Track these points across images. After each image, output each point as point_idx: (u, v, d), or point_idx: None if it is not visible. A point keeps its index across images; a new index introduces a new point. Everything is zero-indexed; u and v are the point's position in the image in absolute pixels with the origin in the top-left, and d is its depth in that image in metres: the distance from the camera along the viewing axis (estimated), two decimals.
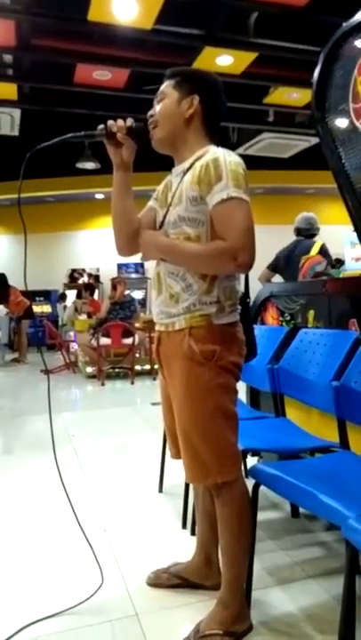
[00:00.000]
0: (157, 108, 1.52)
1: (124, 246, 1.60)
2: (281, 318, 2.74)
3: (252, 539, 1.56)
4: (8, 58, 5.41)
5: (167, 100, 1.50)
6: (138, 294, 9.84)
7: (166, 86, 1.52)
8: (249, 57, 5.30)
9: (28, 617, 1.58)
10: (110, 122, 1.49)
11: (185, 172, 1.47)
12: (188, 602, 1.67)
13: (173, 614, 1.62)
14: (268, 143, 7.48)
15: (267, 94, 6.33)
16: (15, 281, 8.23)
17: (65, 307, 9.55)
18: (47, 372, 2.10)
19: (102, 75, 5.55)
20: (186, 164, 1.48)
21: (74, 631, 1.54)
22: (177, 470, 1.56)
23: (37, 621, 1.56)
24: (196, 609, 1.60)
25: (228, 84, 5.81)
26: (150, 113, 1.53)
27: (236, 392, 1.51)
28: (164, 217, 1.52)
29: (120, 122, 1.49)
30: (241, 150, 7.57)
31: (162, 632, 1.53)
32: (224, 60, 5.32)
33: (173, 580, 1.74)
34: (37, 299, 10.21)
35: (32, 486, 2.73)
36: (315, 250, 3.66)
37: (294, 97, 6.23)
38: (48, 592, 1.74)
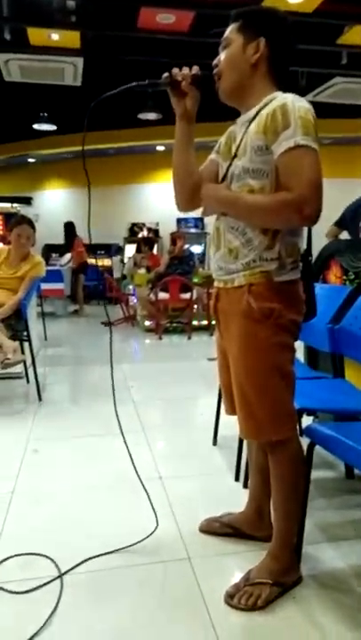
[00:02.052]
0: (222, 56, 1.45)
1: (185, 201, 1.57)
2: (345, 277, 2.64)
3: (305, 496, 1.58)
4: (71, 4, 5.31)
5: (232, 47, 1.42)
6: (197, 249, 9.77)
7: (231, 31, 1.44)
8: None
9: (88, 552, 1.69)
10: (175, 70, 1.44)
11: (250, 122, 1.40)
12: (238, 550, 1.73)
13: (224, 561, 1.69)
14: (340, 88, 6.99)
15: (341, 34, 5.87)
16: (78, 234, 8.43)
17: (121, 260, 9.67)
18: (110, 324, 2.16)
19: (166, 18, 5.34)
20: (251, 113, 1.41)
21: (130, 568, 1.64)
22: (231, 424, 1.58)
23: (97, 556, 1.68)
24: (246, 558, 1.66)
25: (299, 23, 5.44)
26: (215, 62, 1.46)
27: (294, 351, 1.49)
28: (227, 169, 1.47)
29: (185, 70, 1.44)
30: (310, 97, 7.14)
31: (212, 576, 1.60)
32: None
33: (225, 529, 1.80)
34: (98, 252, 10.37)
35: (93, 432, 2.87)
36: None
37: None
38: (107, 531, 1.85)
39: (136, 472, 1.82)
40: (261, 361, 1.42)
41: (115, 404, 1.78)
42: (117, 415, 1.78)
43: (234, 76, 1.43)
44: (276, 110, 1.32)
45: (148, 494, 1.83)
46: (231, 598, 1.46)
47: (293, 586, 1.52)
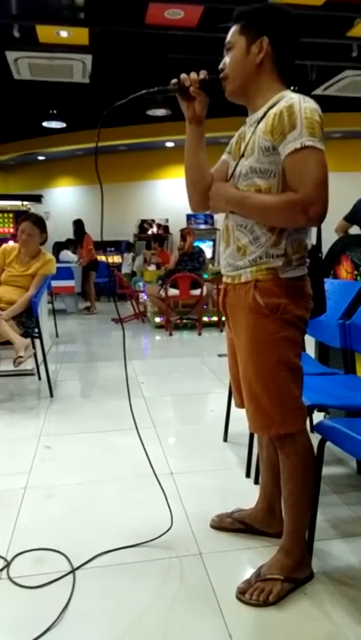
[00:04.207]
0: (227, 59, 1.46)
1: (199, 201, 1.58)
2: (356, 272, 2.62)
3: (316, 491, 1.57)
4: (79, 0, 5.30)
5: (236, 49, 1.44)
6: (207, 245, 9.75)
7: (233, 34, 1.45)
8: None
9: (100, 547, 1.71)
10: (183, 76, 1.45)
11: (258, 122, 1.41)
12: (249, 546, 1.73)
13: (235, 556, 1.69)
14: (350, 82, 6.91)
15: (351, 27, 5.80)
16: (87, 231, 8.45)
17: (133, 257, 9.68)
18: (121, 321, 2.17)
19: (174, 13, 5.32)
20: (259, 113, 1.42)
21: (141, 563, 1.65)
22: (242, 420, 1.58)
23: (109, 552, 1.69)
24: (258, 553, 1.66)
25: (309, 16, 5.36)
26: (221, 66, 1.47)
27: (301, 346, 1.50)
28: (235, 168, 1.49)
29: (193, 75, 1.45)
30: (320, 91, 7.07)
31: (224, 571, 1.60)
32: None
33: (236, 525, 1.81)
34: (108, 249, 10.40)
35: (104, 428, 2.88)
36: None
37: None
38: (119, 527, 1.86)
39: (152, 469, 1.83)
40: (269, 355, 1.43)
41: (130, 400, 1.79)
42: (132, 413, 1.78)
43: (240, 78, 1.44)
44: (282, 111, 1.32)
45: (164, 493, 1.84)
46: (243, 594, 1.47)
47: (305, 582, 1.52)
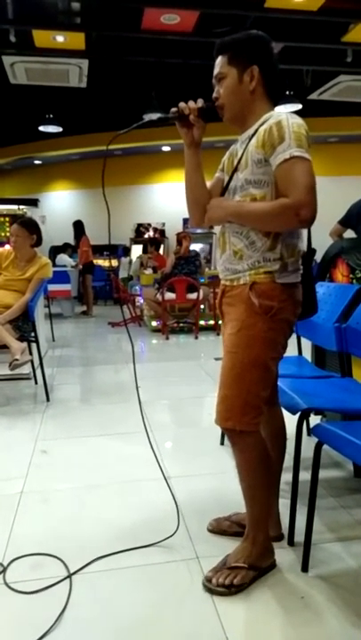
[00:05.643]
0: (220, 90, 1.54)
1: (199, 217, 1.67)
2: (351, 275, 2.63)
3: (312, 494, 1.58)
4: (76, 5, 5.32)
5: (228, 80, 1.52)
6: (203, 249, 9.76)
7: (222, 65, 1.53)
8: None
9: (96, 552, 1.71)
10: (182, 104, 1.54)
11: (250, 138, 1.50)
12: None
13: None
14: (344, 86, 6.96)
15: (346, 32, 5.85)
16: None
17: (130, 261, 9.68)
18: (126, 324, 2.17)
19: (170, 18, 5.35)
20: (251, 131, 1.52)
21: (138, 568, 1.64)
22: None
23: (105, 556, 1.69)
24: None
25: (304, 21, 5.40)
26: (215, 96, 1.55)
27: (281, 350, 1.56)
28: (228, 183, 1.58)
29: (191, 104, 1.54)
30: (315, 95, 7.11)
31: None
32: None
33: (234, 528, 1.81)
34: (105, 253, 10.40)
35: (101, 432, 2.88)
36: None
37: None
38: (115, 531, 1.86)
39: (162, 471, 1.84)
40: (249, 350, 1.49)
41: (140, 404, 1.81)
42: (143, 416, 1.82)
43: (236, 105, 1.54)
44: (272, 127, 1.43)
45: (174, 497, 1.84)
46: (209, 581, 1.51)
47: (268, 570, 1.58)
